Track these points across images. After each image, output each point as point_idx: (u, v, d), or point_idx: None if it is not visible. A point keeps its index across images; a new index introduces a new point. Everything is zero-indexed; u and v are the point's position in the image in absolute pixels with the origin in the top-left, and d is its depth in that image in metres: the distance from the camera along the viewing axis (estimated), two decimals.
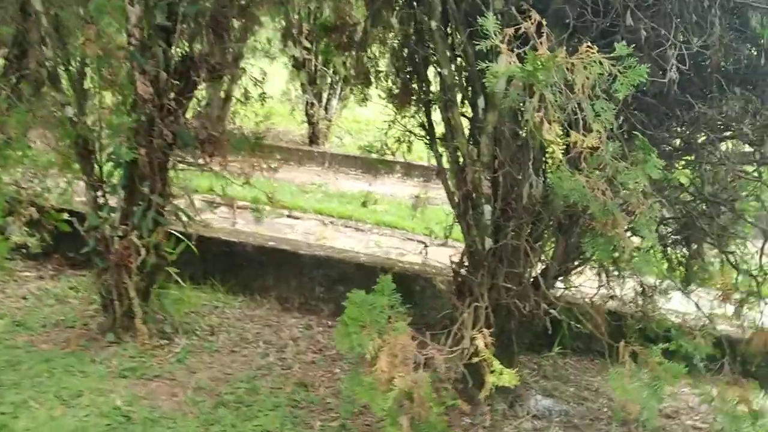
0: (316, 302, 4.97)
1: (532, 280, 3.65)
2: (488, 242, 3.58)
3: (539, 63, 2.26)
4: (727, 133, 3.50)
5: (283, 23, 9.87)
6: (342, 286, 4.92)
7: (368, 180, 9.29)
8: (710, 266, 4.25)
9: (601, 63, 2.36)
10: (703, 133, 3.53)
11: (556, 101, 2.33)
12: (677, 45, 3.00)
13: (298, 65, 10.64)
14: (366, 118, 12.11)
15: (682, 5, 3.15)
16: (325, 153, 10.73)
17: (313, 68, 10.77)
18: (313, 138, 11.22)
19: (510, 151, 3.40)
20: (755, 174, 3.52)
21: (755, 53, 3.17)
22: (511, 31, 2.51)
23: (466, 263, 3.83)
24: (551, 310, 3.53)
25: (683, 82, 3.10)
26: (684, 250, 4.26)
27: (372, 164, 9.40)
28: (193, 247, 4.37)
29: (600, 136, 2.40)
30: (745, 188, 3.55)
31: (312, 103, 11.03)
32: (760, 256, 3.60)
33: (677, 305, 4.20)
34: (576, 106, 2.45)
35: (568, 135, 2.42)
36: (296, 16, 9.74)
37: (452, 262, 3.87)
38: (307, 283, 4.99)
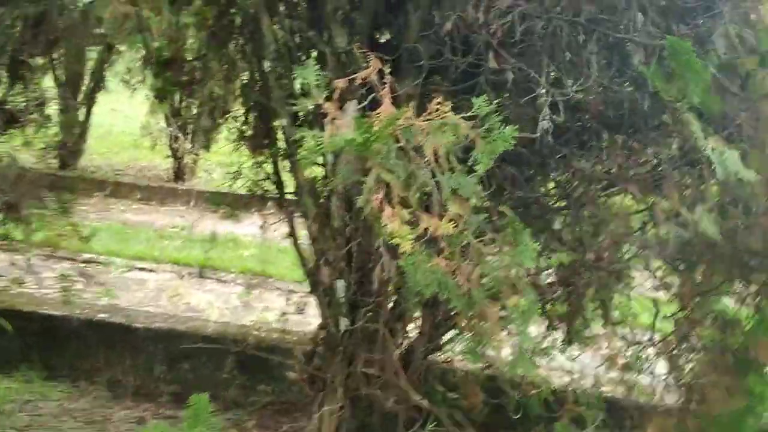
0: (155, 385, 4.21)
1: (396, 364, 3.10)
2: (343, 322, 3.02)
3: (373, 133, 1.71)
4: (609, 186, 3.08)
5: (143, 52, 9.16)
6: (187, 364, 4.24)
7: (234, 220, 8.53)
8: (593, 322, 3.90)
9: (456, 126, 1.84)
10: (581, 188, 3.10)
11: (399, 178, 1.78)
12: (548, 89, 2.56)
13: (159, 96, 9.82)
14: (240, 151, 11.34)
15: (553, 41, 2.72)
16: (191, 190, 9.87)
17: (177, 99, 9.96)
18: (179, 173, 10.34)
19: (362, 215, 2.86)
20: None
21: (638, 96, 2.76)
22: (342, 83, 1.95)
23: (321, 343, 3.25)
24: (420, 401, 2.99)
25: (558, 129, 2.66)
26: (565, 306, 3.89)
27: (242, 200, 8.67)
28: (5, 325, 3.59)
29: (459, 218, 1.87)
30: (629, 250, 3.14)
31: (176, 136, 10.18)
32: (653, 327, 3.20)
33: (562, 361, 3.79)
34: (429, 177, 1.93)
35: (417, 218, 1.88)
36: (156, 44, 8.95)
37: (303, 343, 3.29)
38: (143, 363, 4.23)
